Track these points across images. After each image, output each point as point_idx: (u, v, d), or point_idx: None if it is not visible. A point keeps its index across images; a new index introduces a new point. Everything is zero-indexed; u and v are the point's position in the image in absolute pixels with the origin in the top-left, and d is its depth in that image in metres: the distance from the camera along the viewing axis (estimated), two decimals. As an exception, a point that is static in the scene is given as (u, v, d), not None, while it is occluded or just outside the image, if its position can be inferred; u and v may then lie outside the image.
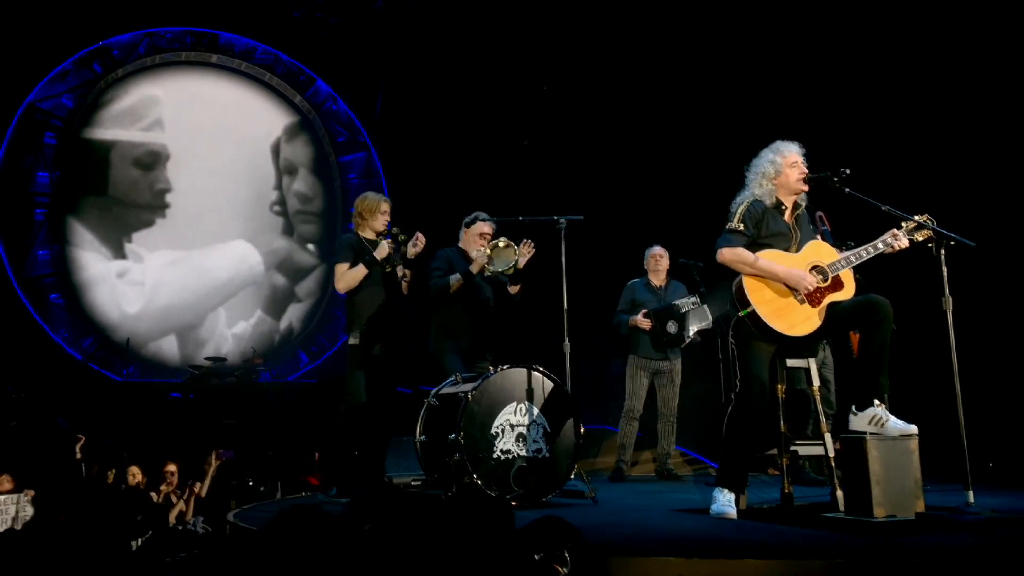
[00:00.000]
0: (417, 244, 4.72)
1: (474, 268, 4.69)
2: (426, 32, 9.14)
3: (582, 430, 4.22)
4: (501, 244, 4.68)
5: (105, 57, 9.04)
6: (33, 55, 8.51)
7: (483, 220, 4.95)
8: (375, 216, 4.79)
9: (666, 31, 7.94)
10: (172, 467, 6.03)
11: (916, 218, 3.59)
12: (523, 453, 4.05)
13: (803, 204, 3.70)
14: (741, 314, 3.52)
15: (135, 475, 5.71)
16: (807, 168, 3.64)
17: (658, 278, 6.07)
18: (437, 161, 9.17)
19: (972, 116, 5.86)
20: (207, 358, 8.43)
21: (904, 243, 3.57)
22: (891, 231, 3.59)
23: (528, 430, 4.08)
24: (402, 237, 4.74)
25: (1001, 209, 5.49)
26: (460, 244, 5.04)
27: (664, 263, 6.06)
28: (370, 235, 4.82)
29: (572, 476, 4.20)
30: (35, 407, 7.10)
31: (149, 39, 9.25)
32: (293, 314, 9.59)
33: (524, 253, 4.72)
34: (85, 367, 8.39)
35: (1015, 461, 5.11)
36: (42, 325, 8.43)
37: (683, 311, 5.86)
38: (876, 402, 3.37)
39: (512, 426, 4.06)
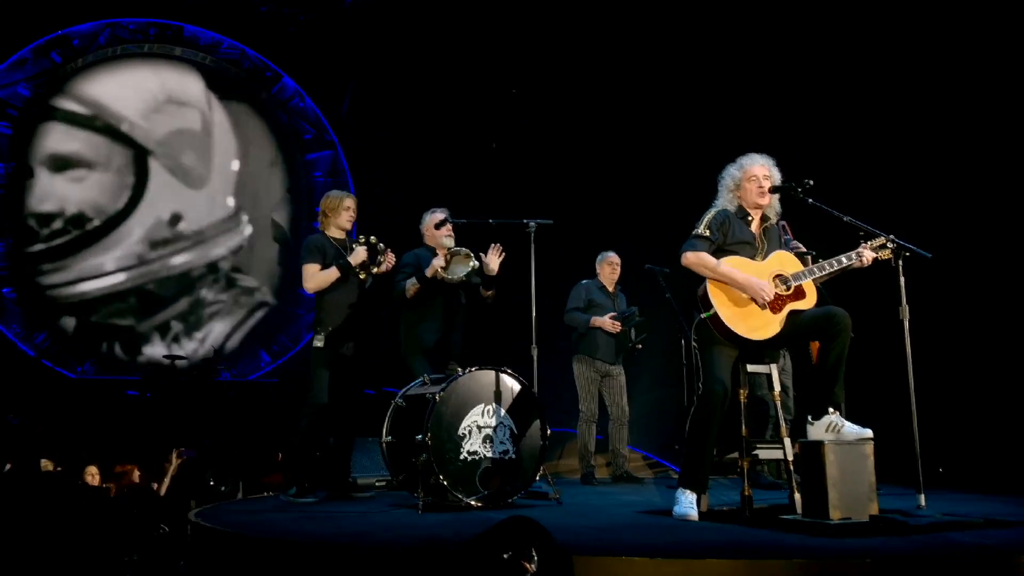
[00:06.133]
0: (386, 260, 4.72)
1: (428, 272, 4.72)
2: (395, 32, 9.12)
3: (548, 432, 4.27)
4: (462, 253, 4.71)
5: (64, 47, 8.84)
6: (-11, 42, 8.31)
7: (435, 210, 4.99)
8: (338, 213, 4.78)
9: (636, 36, 8.03)
10: (128, 466, 5.93)
11: (879, 239, 3.69)
12: (490, 454, 4.07)
13: (772, 216, 3.80)
14: (703, 316, 3.60)
15: (93, 475, 5.60)
16: (776, 180, 3.73)
17: (611, 284, 6.14)
18: (405, 162, 9.15)
19: (928, 130, 6.04)
20: (165, 356, 8.29)
21: (869, 259, 3.68)
22: (857, 249, 3.69)
23: (495, 432, 4.11)
24: (381, 247, 4.73)
25: (955, 221, 5.67)
26: (425, 241, 5.08)
27: (619, 270, 6.14)
28: (337, 234, 4.81)
29: (538, 478, 4.24)
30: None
31: (111, 29, 9.07)
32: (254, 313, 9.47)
33: (493, 258, 4.78)
34: (38, 363, 8.19)
35: (964, 467, 5.29)
36: (-7, 319, 8.22)
37: (635, 322, 5.98)
38: (831, 411, 3.47)
39: (479, 427, 4.08)
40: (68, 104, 8.84)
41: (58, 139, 8.78)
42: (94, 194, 8.86)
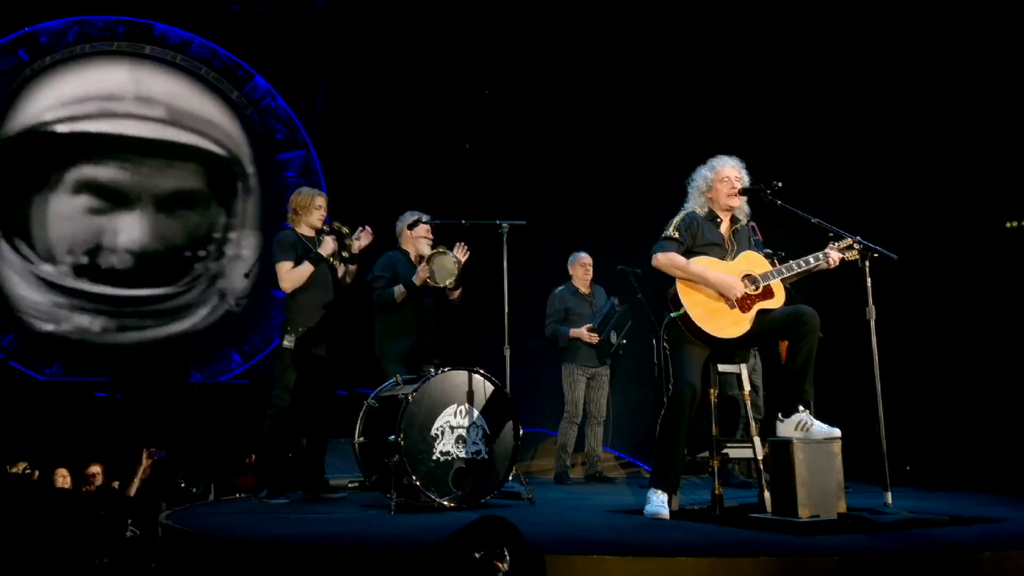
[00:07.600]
0: (362, 237, 4.71)
1: (417, 280, 4.73)
2: (369, 32, 9.09)
3: (521, 432, 4.27)
4: (440, 249, 4.72)
5: (31, 44, 8.70)
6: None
7: (425, 223, 5.00)
8: (310, 211, 4.73)
9: (608, 38, 8.08)
10: (95, 468, 5.86)
11: (846, 239, 3.74)
12: (462, 455, 4.07)
13: (742, 218, 3.84)
14: (673, 315, 3.63)
15: (63, 477, 5.52)
16: (745, 182, 3.77)
17: (585, 285, 6.15)
18: (377, 162, 9.12)
19: (897, 133, 6.14)
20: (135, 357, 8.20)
21: (836, 260, 3.73)
22: (824, 250, 3.74)
23: (468, 432, 4.11)
24: (345, 231, 4.71)
25: (921, 224, 5.77)
26: (401, 244, 5.07)
27: (591, 270, 6.16)
28: (306, 231, 4.77)
29: (510, 478, 4.25)
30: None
31: (79, 26, 8.93)
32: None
33: (459, 253, 4.80)
34: (5, 365, 8.05)
35: (929, 465, 5.39)
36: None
37: (616, 316, 5.99)
38: (801, 408, 3.51)
39: (452, 428, 4.08)
40: (35, 102, 8.69)
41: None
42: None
